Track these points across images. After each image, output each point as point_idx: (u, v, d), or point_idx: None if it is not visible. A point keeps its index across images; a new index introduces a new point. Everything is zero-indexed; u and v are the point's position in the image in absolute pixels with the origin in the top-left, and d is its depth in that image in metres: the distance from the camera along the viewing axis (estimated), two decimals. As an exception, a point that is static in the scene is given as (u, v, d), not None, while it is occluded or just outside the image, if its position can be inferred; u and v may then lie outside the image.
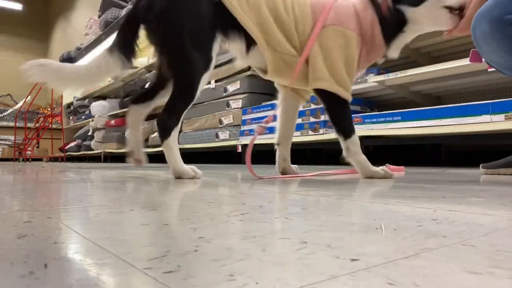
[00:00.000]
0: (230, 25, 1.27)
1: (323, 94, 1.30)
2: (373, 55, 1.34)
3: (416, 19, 1.27)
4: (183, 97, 1.31)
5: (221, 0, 1.24)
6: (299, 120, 2.95)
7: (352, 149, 1.32)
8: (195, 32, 1.26)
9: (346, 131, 1.31)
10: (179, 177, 1.35)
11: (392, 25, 1.29)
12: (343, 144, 1.33)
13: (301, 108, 2.92)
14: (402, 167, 1.81)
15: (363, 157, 1.35)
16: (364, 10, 1.29)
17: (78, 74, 1.35)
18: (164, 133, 1.31)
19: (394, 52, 1.36)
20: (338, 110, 1.31)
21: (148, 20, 1.32)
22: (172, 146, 1.32)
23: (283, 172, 1.53)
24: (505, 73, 1.15)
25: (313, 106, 2.86)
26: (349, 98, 1.31)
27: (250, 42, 1.31)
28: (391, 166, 1.72)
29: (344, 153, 1.35)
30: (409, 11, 1.26)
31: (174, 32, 1.27)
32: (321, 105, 2.74)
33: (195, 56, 1.27)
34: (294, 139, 2.92)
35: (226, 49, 1.37)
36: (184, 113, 1.35)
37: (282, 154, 1.53)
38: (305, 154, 3.67)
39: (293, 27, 1.29)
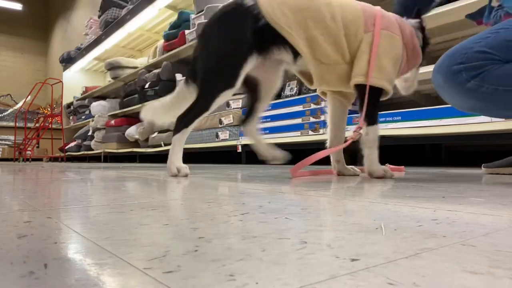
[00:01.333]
0: (275, 41, 1.34)
1: (362, 89, 1.33)
2: (412, 61, 1.45)
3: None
4: (198, 107, 1.44)
5: (268, 21, 1.30)
6: (299, 120, 2.95)
7: (371, 137, 1.35)
8: (222, 55, 1.39)
9: (373, 118, 1.35)
10: (168, 169, 1.53)
11: (425, 46, 1.47)
12: (364, 130, 1.35)
13: (301, 108, 2.93)
14: (402, 167, 1.81)
15: (376, 151, 1.37)
16: (403, 23, 1.40)
17: (170, 107, 1.56)
18: (174, 131, 1.49)
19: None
20: (374, 100, 1.35)
21: (197, 46, 1.51)
22: (175, 143, 1.51)
23: (340, 174, 1.56)
24: (472, 113, 1.29)
25: (313, 106, 2.85)
26: (390, 91, 1.37)
27: (296, 53, 1.36)
28: (391, 166, 1.72)
29: (362, 138, 1.36)
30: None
31: (204, 54, 1.44)
32: (322, 106, 2.73)
33: (218, 75, 1.40)
34: (294, 139, 2.94)
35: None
36: (197, 120, 1.47)
37: (336, 157, 1.56)
38: (305, 154, 3.67)
39: (341, 34, 1.33)
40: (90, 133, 7.04)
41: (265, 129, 3.23)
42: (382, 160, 1.78)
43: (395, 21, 1.38)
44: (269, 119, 3.21)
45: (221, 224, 0.52)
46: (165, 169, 2.58)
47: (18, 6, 12.08)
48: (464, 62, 1.17)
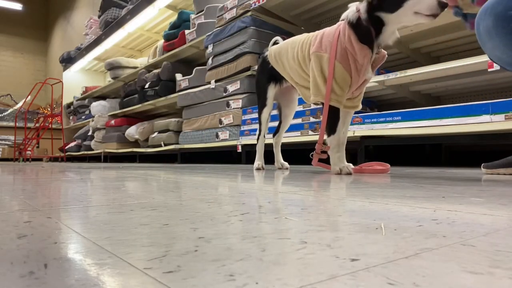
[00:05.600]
0: (280, 76, 2.04)
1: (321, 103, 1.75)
2: (360, 57, 1.60)
3: (393, 21, 1.54)
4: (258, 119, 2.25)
5: (272, 66, 2.04)
6: (299, 120, 2.95)
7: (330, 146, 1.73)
8: (259, 84, 2.21)
9: (328, 129, 1.70)
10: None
11: (369, 29, 1.56)
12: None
13: (301, 108, 2.93)
14: (382, 167, 1.78)
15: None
16: (343, 30, 1.63)
17: None
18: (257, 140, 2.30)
19: (386, 41, 1.62)
20: (328, 111, 1.69)
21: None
22: (258, 145, 2.25)
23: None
24: (508, 69, 1.15)
25: (313, 106, 2.86)
26: (334, 104, 1.65)
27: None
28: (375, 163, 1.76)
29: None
30: (386, 17, 1.53)
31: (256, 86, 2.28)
32: (321, 106, 2.81)
33: (260, 97, 2.19)
34: (294, 139, 2.94)
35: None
36: (263, 126, 2.23)
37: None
38: (304, 154, 3.67)
39: (298, 68, 1.84)
40: (90, 133, 7.04)
41: (265, 129, 3.23)
42: (383, 160, 1.78)
43: (330, 37, 1.67)
44: (270, 119, 3.20)
45: (221, 224, 0.52)
46: (165, 168, 2.59)
47: (18, 6, 12.08)
48: None
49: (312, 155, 1.77)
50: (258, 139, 2.24)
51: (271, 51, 2.06)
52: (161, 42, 5.27)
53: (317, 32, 1.81)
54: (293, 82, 1.95)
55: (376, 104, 3.08)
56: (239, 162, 3.59)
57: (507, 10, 1.02)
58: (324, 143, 1.74)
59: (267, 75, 2.09)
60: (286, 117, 2.25)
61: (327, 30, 1.73)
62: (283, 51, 1.95)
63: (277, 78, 2.06)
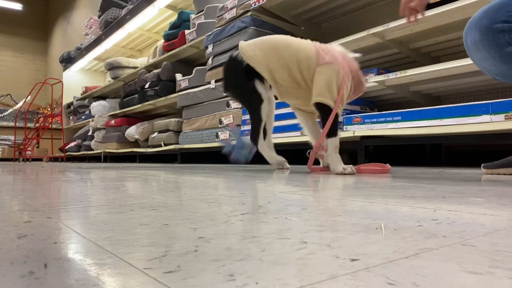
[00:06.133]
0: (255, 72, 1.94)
1: (320, 106, 1.80)
2: (358, 90, 1.91)
3: None
4: (252, 121, 2.01)
5: (248, 62, 1.93)
6: (299, 120, 2.95)
7: (330, 147, 1.79)
8: (240, 87, 2.04)
9: (331, 132, 1.77)
10: (275, 164, 2.10)
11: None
12: (325, 141, 1.80)
13: (301, 108, 2.93)
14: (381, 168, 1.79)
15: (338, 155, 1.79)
16: (352, 61, 1.87)
17: None
18: (255, 143, 2.02)
19: None
20: (333, 117, 1.77)
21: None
22: (262, 148, 2.02)
23: (327, 166, 1.89)
24: (497, 78, 1.18)
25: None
26: (339, 111, 1.79)
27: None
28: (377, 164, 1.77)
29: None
30: None
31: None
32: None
33: (249, 99, 2.03)
34: (294, 139, 2.94)
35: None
36: (260, 129, 1.98)
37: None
38: (304, 154, 3.67)
39: (295, 68, 1.85)
40: (90, 133, 7.04)
41: (265, 129, 3.23)
42: (383, 160, 1.77)
43: (343, 59, 1.82)
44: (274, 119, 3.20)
45: (221, 224, 0.52)
46: (165, 168, 2.59)
47: (18, 6, 12.08)
48: (509, 21, 1.01)
49: (309, 153, 1.84)
50: (257, 137, 2.17)
51: (243, 48, 1.93)
52: (161, 42, 5.27)
53: (309, 41, 1.93)
54: (272, 83, 1.89)
55: (376, 104, 3.09)
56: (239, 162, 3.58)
57: (492, 23, 1.05)
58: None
59: (247, 73, 1.94)
60: (268, 117, 2.11)
61: (332, 49, 1.86)
62: (265, 46, 1.88)
63: (257, 73, 1.94)
